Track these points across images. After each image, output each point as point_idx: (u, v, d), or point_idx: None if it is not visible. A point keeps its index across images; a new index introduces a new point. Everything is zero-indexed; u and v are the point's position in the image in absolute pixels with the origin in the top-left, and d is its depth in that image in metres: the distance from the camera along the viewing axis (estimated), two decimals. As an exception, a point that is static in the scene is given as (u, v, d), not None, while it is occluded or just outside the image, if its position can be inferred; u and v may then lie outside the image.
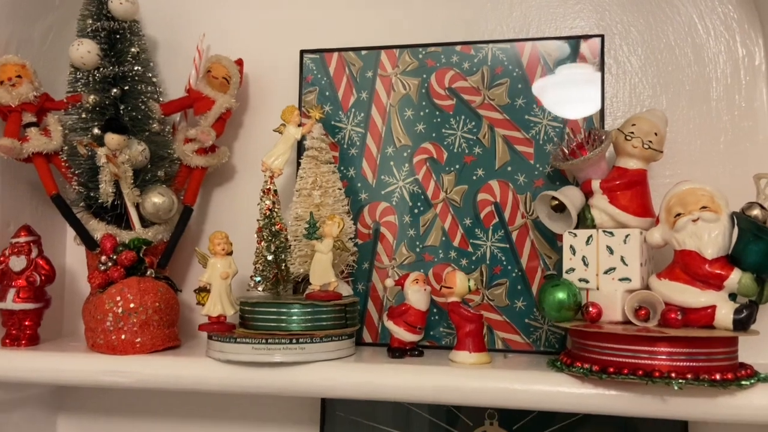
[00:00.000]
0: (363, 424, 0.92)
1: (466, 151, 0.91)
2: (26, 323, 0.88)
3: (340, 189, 0.90)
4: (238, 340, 0.76)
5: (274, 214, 0.87)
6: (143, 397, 1.00)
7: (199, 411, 0.99)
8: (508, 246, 0.89)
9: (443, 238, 0.91)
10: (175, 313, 0.86)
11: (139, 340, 0.81)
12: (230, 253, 0.84)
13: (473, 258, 0.90)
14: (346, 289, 0.86)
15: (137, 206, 0.90)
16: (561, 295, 0.73)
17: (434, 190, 0.92)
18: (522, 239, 0.89)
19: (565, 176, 0.88)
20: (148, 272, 0.86)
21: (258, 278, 0.87)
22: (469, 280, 0.78)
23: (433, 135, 0.93)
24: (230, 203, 1.02)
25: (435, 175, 0.92)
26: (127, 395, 1.01)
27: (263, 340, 0.75)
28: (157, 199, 0.90)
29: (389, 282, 0.82)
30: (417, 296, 0.80)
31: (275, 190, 0.88)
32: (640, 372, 0.66)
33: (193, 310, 0.99)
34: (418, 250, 0.92)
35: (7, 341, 0.87)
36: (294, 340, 0.75)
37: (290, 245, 0.87)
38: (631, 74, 0.92)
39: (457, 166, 0.92)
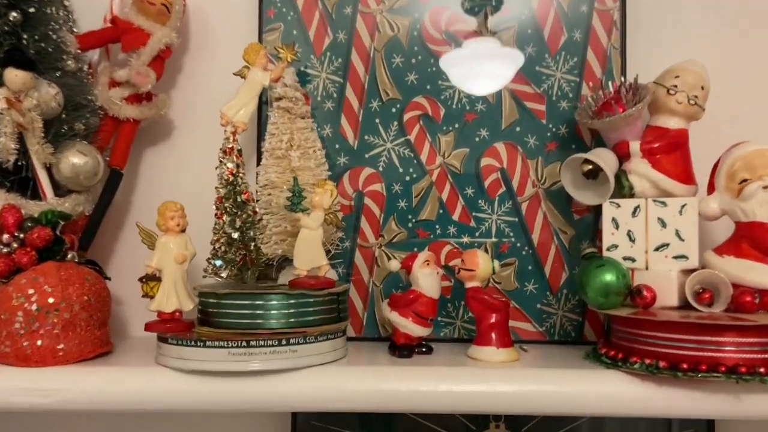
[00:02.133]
0: (344, 436, 0.76)
1: (467, 108, 0.77)
2: None
3: (321, 150, 0.73)
4: (208, 343, 0.57)
5: (239, 179, 0.68)
6: (70, 423, 0.78)
7: None
8: (516, 219, 0.76)
9: (440, 211, 0.76)
10: (107, 308, 0.65)
11: (61, 346, 0.60)
12: (184, 230, 0.65)
13: (476, 234, 0.76)
14: (332, 275, 0.70)
15: (49, 169, 0.68)
16: (609, 277, 0.61)
17: (429, 153, 0.77)
18: (533, 211, 0.76)
19: (582, 138, 0.76)
20: (69, 255, 0.65)
21: (218, 262, 0.68)
22: (492, 260, 0.65)
23: (428, 87, 0.77)
24: (169, 167, 0.81)
25: (430, 136, 0.77)
26: (48, 422, 0.78)
27: (242, 343, 0.57)
28: (76, 159, 0.68)
29: (393, 264, 0.66)
30: (429, 281, 0.65)
31: (239, 150, 0.69)
32: (705, 366, 0.55)
33: (121, 302, 0.79)
34: (410, 225, 0.76)
35: None
36: (283, 341, 0.58)
37: (260, 219, 0.69)
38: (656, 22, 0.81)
39: (457, 126, 0.77)
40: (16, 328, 0.59)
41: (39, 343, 0.59)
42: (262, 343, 0.57)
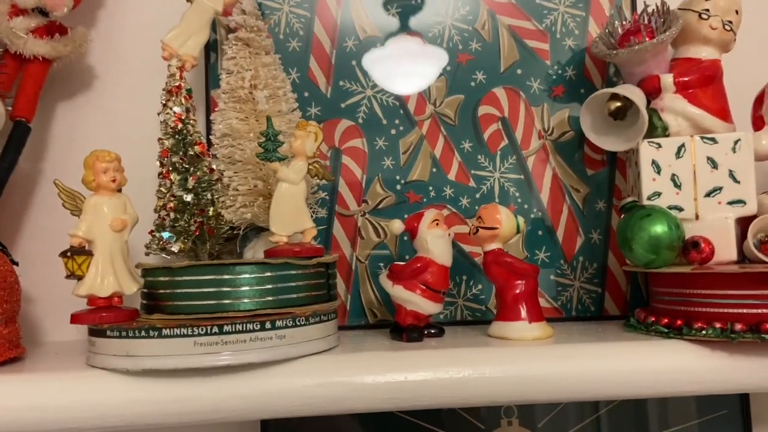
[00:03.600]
0: (328, 447, 0.62)
1: (460, 47, 0.65)
2: None
3: (292, 93, 0.58)
4: (164, 332, 0.42)
5: (190, 127, 0.53)
6: None
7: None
8: (522, 177, 0.64)
9: (434, 170, 0.64)
10: (17, 299, 0.48)
11: (-48, 350, 0.43)
12: (120, 190, 0.49)
13: (476, 195, 0.64)
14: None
15: (-73, 116, 0.50)
16: (659, 228, 0.50)
17: (418, 101, 0.65)
18: (540, 167, 0.65)
19: (591, 80, 0.65)
20: (-40, 229, 0.48)
21: (166, 234, 0.52)
22: (516, 217, 0.53)
23: (412, 23, 0.65)
24: (89, 123, 0.65)
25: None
26: None
27: (212, 329, 0.42)
28: (-33, 103, 0.51)
29: (397, 226, 0.53)
30: (440, 245, 0.52)
31: (189, 90, 0.54)
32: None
33: (29, 299, 0.61)
34: (399, 187, 0.63)
35: None
36: (267, 324, 0.43)
37: (218, 178, 0.54)
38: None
39: (448, 68, 0.65)
40: None
41: None
42: (239, 327, 0.42)
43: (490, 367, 0.44)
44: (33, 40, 0.56)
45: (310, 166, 0.50)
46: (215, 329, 0.42)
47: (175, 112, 0.53)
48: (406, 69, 0.64)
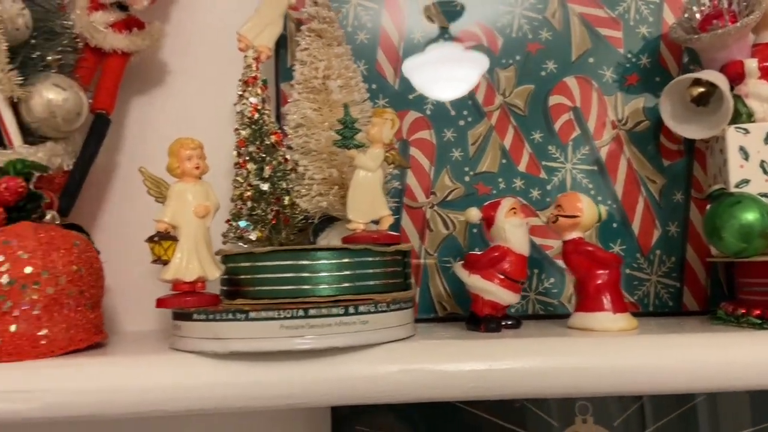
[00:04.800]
0: (399, 440, 0.62)
1: (530, 36, 0.64)
2: None
3: (364, 84, 0.58)
4: (252, 315, 0.42)
5: (266, 117, 0.54)
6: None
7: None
8: (595, 168, 0.63)
9: (503, 161, 0.63)
10: (101, 285, 0.49)
11: (44, 332, 0.44)
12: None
13: (547, 187, 0.63)
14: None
15: (15, 108, 0.52)
16: (751, 216, 0.48)
17: (487, 92, 0.64)
18: (614, 158, 0.63)
19: (667, 69, 0.64)
20: (48, 216, 0.49)
21: (243, 222, 0.53)
22: (597, 205, 0.51)
23: (481, 13, 0.64)
24: (162, 117, 0.66)
25: (487, 71, 0.64)
26: None
27: (299, 312, 0.42)
28: (52, 94, 0.52)
29: (474, 214, 0.52)
30: (518, 233, 0.51)
31: (264, 81, 0.54)
32: None
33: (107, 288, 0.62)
34: (467, 179, 0.63)
35: None
36: (350, 309, 0.43)
37: (293, 168, 0.54)
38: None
39: (518, 58, 0.64)
40: (-22, 310, 0.43)
41: (12, 328, 0.43)
42: (323, 311, 0.42)
43: (580, 357, 0.43)
44: (112, 35, 0.58)
45: (386, 154, 0.49)
46: (300, 312, 0.42)
47: (251, 103, 0.53)
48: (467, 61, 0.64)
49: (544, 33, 0.64)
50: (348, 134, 0.49)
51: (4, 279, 0.43)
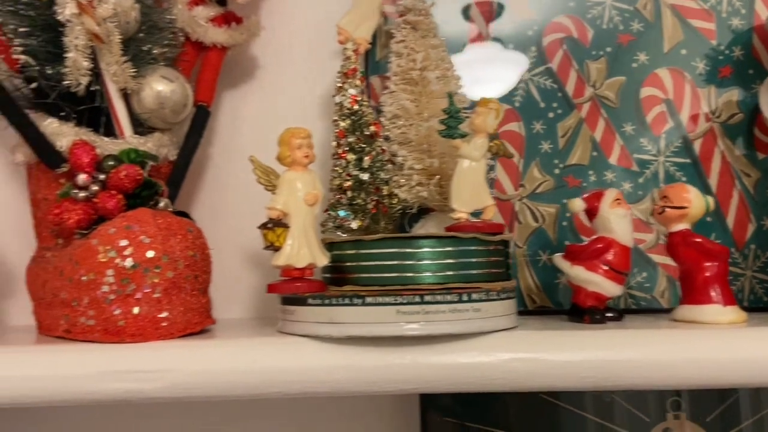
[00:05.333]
0: (487, 432, 0.62)
1: (621, 28, 0.64)
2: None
3: (459, 77, 0.59)
4: (368, 300, 0.43)
5: (365, 108, 0.54)
6: (176, 414, 0.63)
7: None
8: (689, 161, 0.62)
9: (594, 153, 0.63)
10: (210, 271, 0.51)
11: (164, 314, 0.45)
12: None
13: (639, 180, 0.62)
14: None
15: (127, 99, 0.54)
16: None
17: (576, 84, 0.63)
18: (708, 151, 0.62)
19: (760, 61, 0.62)
20: (162, 204, 0.50)
21: (343, 212, 0.53)
22: (704, 196, 0.51)
23: (571, 4, 0.64)
24: (254, 112, 0.68)
25: (577, 63, 0.64)
26: (148, 413, 0.62)
27: (415, 299, 0.43)
28: (161, 85, 0.54)
29: (578, 204, 0.52)
30: (623, 224, 0.51)
31: (363, 73, 0.55)
32: None
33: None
34: (557, 171, 0.63)
35: None
36: (464, 297, 0.44)
37: (389, 160, 0.55)
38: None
39: (609, 50, 0.64)
40: (103, 293, 0.45)
41: (135, 310, 0.45)
42: (438, 297, 0.43)
43: (703, 348, 0.42)
44: (213, 29, 0.59)
45: (490, 143, 0.50)
46: (417, 298, 0.42)
47: (351, 94, 0.54)
48: (565, 49, 0.63)
49: (636, 24, 0.64)
50: (453, 124, 0.49)
51: (128, 262, 0.44)
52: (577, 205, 0.51)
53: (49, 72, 0.50)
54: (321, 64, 0.68)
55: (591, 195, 0.52)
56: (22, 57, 0.49)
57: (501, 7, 0.64)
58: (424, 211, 0.57)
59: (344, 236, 0.53)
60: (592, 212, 0.52)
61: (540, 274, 0.62)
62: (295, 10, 0.68)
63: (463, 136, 0.49)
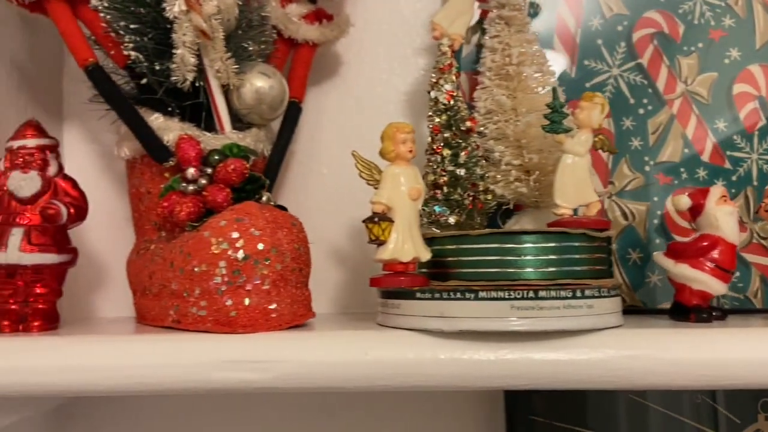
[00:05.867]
0: None
1: (712, 24, 0.62)
2: (38, 290, 0.50)
3: (554, 72, 0.58)
4: (481, 294, 0.43)
5: (460, 104, 0.54)
6: (286, 404, 0.64)
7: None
8: (784, 158, 0.61)
9: (685, 150, 0.62)
10: (310, 264, 0.51)
11: (274, 306, 0.46)
12: (407, 161, 0.50)
13: (732, 178, 0.61)
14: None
15: (226, 94, 0.54)
16: None
17: (668, 80, 0.62)
18: (804, 148, 0.61)
19: None
20: (264, 198, 0.51)
21: (438, 207, 0.54)
22: (816, 192, 0.50)
23: (662, 0, 0.63)
24: (334, 102, 0.68)
25: (668, 59, 0.63)
26: (258, 402, 0.63)
27: (529, 294, 0.42)
28: (260, 82, 0.54)
29: (684, 202, 0.51)
30: (731, 222, 0.50)
31: (458, 68, 0.55)
32: None
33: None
34: (647, 168, 0.62)
35: (5, 323, 0.49)
36: (577, 292, 0.43)
37: (483, 156, 0.55)
38: None
39: (701, 45, 0.62)
40: (215, 284, 0.45)
41: (246, 302, 0.45)
42: (553, 294, 0.42)
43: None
44: (305, 26, 0.60)
45: (595, 138, 0.49)
46: (531, 294, 0.42)
47: (446, 90, 0.54)
48: (655, 45, 0.63)
49: (727, 20, 0.62)
50: (557, 118, 0.49)
51: (240, 254, 0.45)
52: (683, 202, 0.50)
53: (157, 68, 0.51)
54: (404, 61, 0.69)
55: (696, 192, 0.51)
56: (133, 53, 0.50)
57: (591, 2, 0.63)
58: (514, 208, 0.57)
59: (438, 231, 0.53)
60: (697, 209, 0.51)
61: (630, 272, 0.61)
62: (378, 6, 0.69)
63: (567, 131, 0.49)
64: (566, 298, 0.43)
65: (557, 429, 0.61)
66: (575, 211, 0.50)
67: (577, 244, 0.47)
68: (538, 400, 0.62)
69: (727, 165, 0.61)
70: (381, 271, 0.49)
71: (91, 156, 0.67)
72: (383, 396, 0.65)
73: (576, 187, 0.49)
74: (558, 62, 0.62)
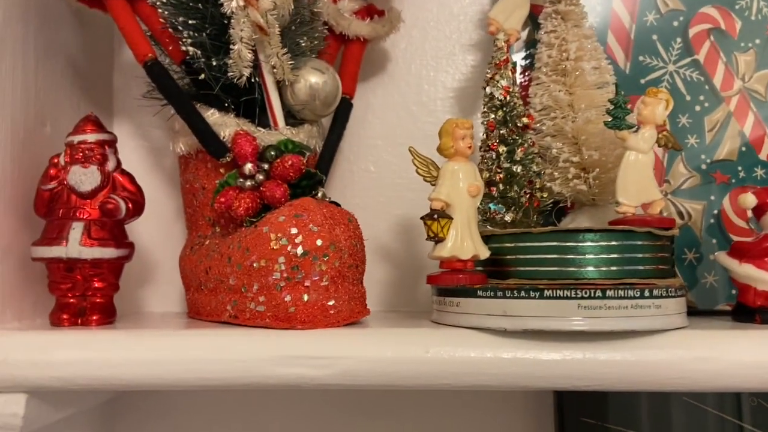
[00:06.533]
0: (628, 434, 0.60)
1: (772, 19, 0.61)
2: (96, 284, 0.50)
3: (611, 67, 0.57)
4: (546, 293, 0.42)
5: (516, 100, 0.54)
6: (345, 401, 0.64)
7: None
8: None
9: (743, 149, 0.60)
10: (365, 260, 0.51)
11: (332, 303, 0.46)
12: (465, 158, 0.50)
13: (792, 176, 0.59)
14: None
15: (280, 90, 0.54)
16: None
17: (725, 76, 0.61)
18: None
19: None
20: (320, 194, 0.51)
21: (493, 205, 0.53)
22: None
23: (719, -5, 0.62)
24: (380, 99, 0.68)
25: (724, 55, 0.61)
26: (318, 399, 0.64)
27: (596, 293, 0.42)
28: (314, 77, 0.54)
29: (750, 200, 0.50)
30: (798, 221, 0.48)
31: (514, 64, 0.54)
32: None
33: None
34: (704, 167, 0.60)
35: (65, 317, 0.50)
36: (646, 292, 0.42)
37: (539, 152, 0.54)
38: None
39: (758, 42, 0.61)
40: (274, 279, 0.45)
41: (305, 297, 0.45)
42: (621, 293, 0.41)
43: None
44: (356, 22, 0.60)
45: (659, 135, 0.48)
46: (598, 293, 0.41)
47: (502, 85, 0.53)
48: (712, 41, 0.61)
49: (788, 15, 0.61)
50: (619, 114, 0.48)
51: (299, 250, 0.45)
52: (749, 200, 0.49)
53: (214, 64, 0.51)
54: (451, 57, 0.68)
55: (761, 190, 0.50)
56: (190, 49, 0.50)
57: (649, -1, 0.62)
58: (569, 206, 0.56)
59: (494, 229, 0.52)
60: (762, 208, 0.49)
61: (685, 273, 0.59)
62: (426, 2, 0.68)
63: (630, 127, 0.48)
64: (634, 297, 0.42)
65: (609, 431, 0.60)
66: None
67: (641, 242, 0.46)
68: (589, 401, 0.61)
69: (787, 164, 0.60)
70: (437, 269, 0.48)
71: (139, 152, 0.67)
72: (430, 393, 0.65)
73: (639, 184, 0.48)
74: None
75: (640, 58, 0.62)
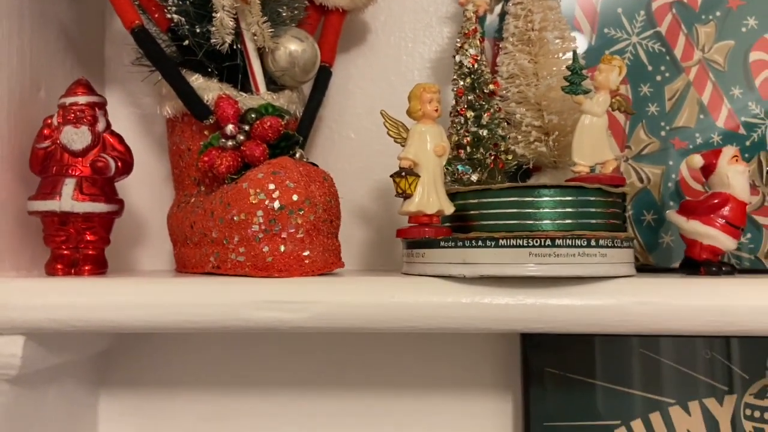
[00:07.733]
0: (588, 385, 0.64)
1: (731, -8, 0.64)
2: (88, 237, 0.54)
3: (575, 37, 0.60)
4: (501, 242, 0.46)
5: (483, 68, 0.57)
6: (318, 343, 0.69)
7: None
8: (797, 124, 0.63)
9: (701, 116, 0.64)
10: (340, 216, 0.54)
11: (307, 253, 0.49)
12: (432, 121, 0.53)
13: (746, 143, 0.63)
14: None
15: (262, 57, 0.57)
16: None
17: (685, 47, 0.64)
18: (818, 115, 0.62)
19: None
20: (298, 155, 0.54)
21: (461, 166, 0.56)
22: (822, 154, 0.52)
23: (682, -32, 0.65)
24: (361, 70, 0.71)
25: (685, 27, 0.64)
26: (294, 341, 0.68)
27: (546, 242, 0.45)
28: (293, 45, 0.57)
29: (696, 160, 0.53)
30: (741, 180, 0.52)
31: (483, 34, 0.58)
32: None
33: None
34: (663, 134, 0.64)
35: (59, 267, 0.53)
36: (592, 242, 0.46)
37: (505, 118, 0.57)
38: None
39: (718, 14, 0.64)
40: (253, 231, 0.49)
41: (282, 248, 0.49)
42: (569, 242, 0.45)
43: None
44: (335, -7, 0.62)
45: (613, 100, 0.51)
46: (548, 242, 0.45)
47: (471, 54, 0.57)
48: (674, 13, 0.64)
49: (747, -12, 0.64)
50: (576, 80, 0.51)
51: (276, 204, 0.48)
52: (696, 160, 0.53)
53: (198, 31, 0.54)
54: (429, 29, 0.71)
55: (709, 152, 0.54)
56: (175, 17, 0.53)
57: (611, -28, 0.65)
58: (533, 169, 0.60)
59: (459, 187, 0.56)
60: (708, 169, 0.53)
61: (644, 233, 0.63)
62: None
63: (585, 92, 0.52)
64: (581, 246, 0.46)
65: (570, 380, 0.65)
66: (592, 169, 0.53)
67: (592, 198, 0.50)
68: (552, 353, 0.65)
69: (741, 131, 0.63)
70: (407, 224, 0.52)
71: (130, 118, 0.70)
72: (404, 338, 0.69)
73: (593, 146, 0.51)
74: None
75: (605, 30, 0.65)
